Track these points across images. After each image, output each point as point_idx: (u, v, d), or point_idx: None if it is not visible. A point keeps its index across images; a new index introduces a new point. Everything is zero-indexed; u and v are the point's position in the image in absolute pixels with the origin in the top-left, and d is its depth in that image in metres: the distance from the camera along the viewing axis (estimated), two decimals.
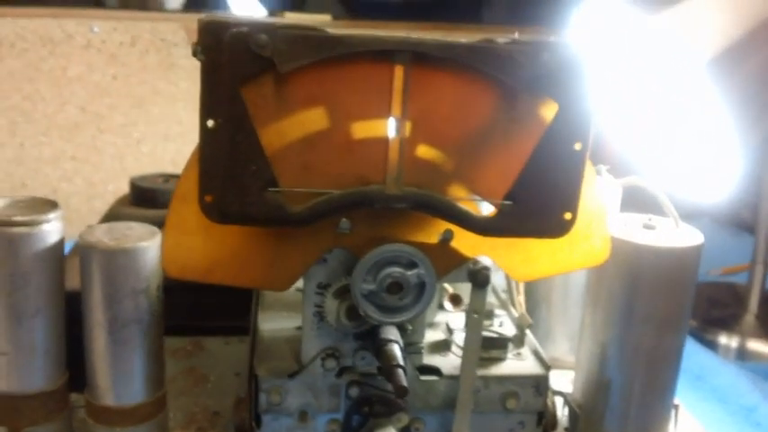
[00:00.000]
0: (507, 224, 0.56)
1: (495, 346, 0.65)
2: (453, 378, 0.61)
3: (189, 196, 0.54)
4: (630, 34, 0.80)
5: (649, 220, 0.67)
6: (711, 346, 1.02)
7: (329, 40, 0.50)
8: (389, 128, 0.54)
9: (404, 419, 0.62)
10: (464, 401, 0.59)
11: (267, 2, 1.90)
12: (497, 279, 0.74)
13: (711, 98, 0.77)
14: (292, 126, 0.53)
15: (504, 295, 0.74)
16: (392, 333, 0.58)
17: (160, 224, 0.58)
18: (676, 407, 0.68)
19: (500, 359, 0.65)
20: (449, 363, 0.64)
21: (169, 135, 1.64)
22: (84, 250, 0.57)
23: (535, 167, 0.54)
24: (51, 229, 0.57)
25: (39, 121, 1.59)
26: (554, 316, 0.80)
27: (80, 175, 1.62)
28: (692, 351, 0.97)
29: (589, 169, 0.57)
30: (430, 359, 0.64)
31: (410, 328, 0.61)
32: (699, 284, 0.66)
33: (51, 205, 0.59)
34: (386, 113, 0.53)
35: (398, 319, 0.57)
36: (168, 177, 0.94)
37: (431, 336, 0.67)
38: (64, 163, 1.61)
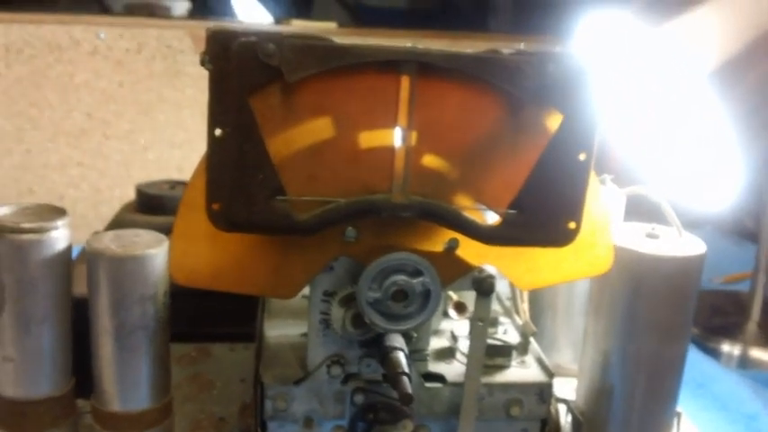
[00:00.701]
0: (512, 233, 0.56)
1: (500, 354, 0.65)
2: (458, 385, 0.62)
3: (196, 204, 0.54)
4: (634, 45, 0.80)
5: (653, 229, 0.67)
6: (714, 354, 1.02)
7: (336, 50, 0.51)
8: (396, 137, 0.54)
9: (408, 426, 0.62)
10: (468, 408, 0.59)
11: (273, 9, 1.91)
12: (502, 287, 0.74)
13: (714, 108, 0.78)
14: (299, 135, 0.53)
15: (508, 303, 0.74)
16: (397, 341, 0.58)
17: (166, 231, 0.59)
18: (678, 415, 0.68)
19: (504, 367, 0.65)
20: (453, 370, 0.64)
21: (175, 142, 1.65)
22: (91, 257, 0.57)
23: (540, 177, 0.55)
24: (59, 236, 0.58)
25: (45, 127, 1.59)
26: (558, 324, 0.80)
27: (86, 182, 1.63)
28: (695, 359, 0.97)
29: (593, 179, 0.57)
30: (434, 366, 0.64)
31: (415, 335, 0.62)
32: (701, 292, 0.66)
33: (59, 212, 0.59)
34: (392, 123, 0.53)
35: (404, 326, 0.57)
36: (174, 184, 0.94)
37: (435, 343, 0.67)
38: (70, 169, 1.62)
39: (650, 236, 0.66)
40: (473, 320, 0.58)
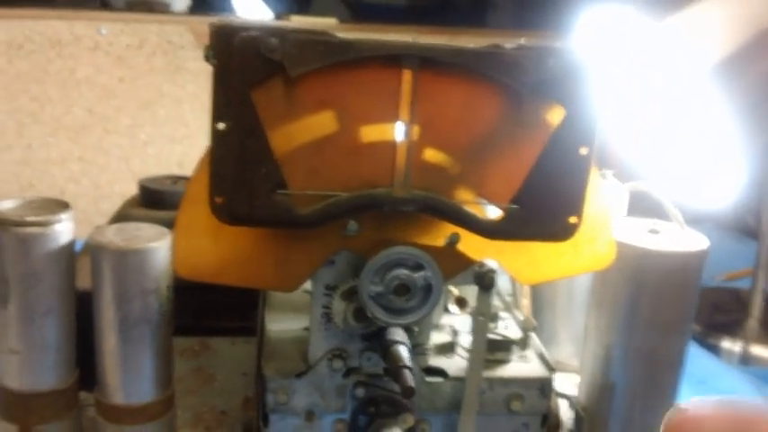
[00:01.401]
0: (513, 228, 0.56)
1: (500, 349, 0.65)
2: (459, 380, 0.62)
3: (199, 198, 0.54)
4: (636, 40, 0.80)
5: (654, 224, 0.68)
6: (714, 350, 1.02)
7: (339, 45, 0.51)
8: (397, 131, 0.54)
9: (410, 420, 0.62)
10: (470, 403, 0.60)
11: (273, 5, 1.91)
12: (503, 282, 0.74)
13: (716, 104, 0.78)
14: (301, 129, 0.53)
15: (509, 298, 0.74)
16: (399, 334, 0.59)
17: (169, 225, 0.59)
18: None
19: (505, 361, 0.65)
20: (454, 364, 0.64)
21: (175, 137, 1.65)
22: (95, 251, 0.57)
23: (541, 172, 0.55)
24: (63, 230, 0.58)
25: (46, 122, 1.60)
26: (559, 319, 0.80)
27: (87, 177, 1.63)
28: (696, 355, 0.97)
29: (594, 174, 0.58)
30: (435, 361, 0.64)
31: (416, 329, 0.62)
32: (702, 289, 0.67)
33: (63, 206, 0.59)
34: (394, 117, 0.54)
35: (405, 320, 0.57)
36: (176, 179, 0.94)
37: (436, 338, 0.67)
38: (71, 164, 1.62)
39: (652, 231, 0.66)
40: (474, 315, 0.58)
